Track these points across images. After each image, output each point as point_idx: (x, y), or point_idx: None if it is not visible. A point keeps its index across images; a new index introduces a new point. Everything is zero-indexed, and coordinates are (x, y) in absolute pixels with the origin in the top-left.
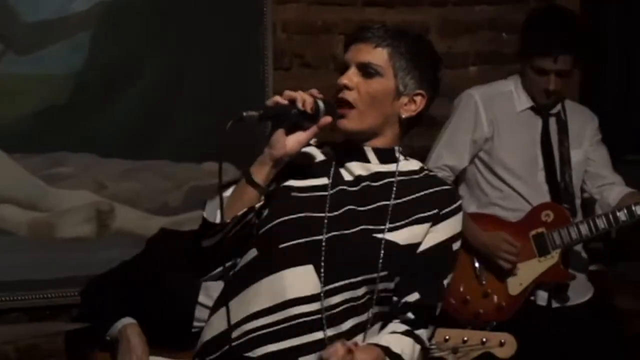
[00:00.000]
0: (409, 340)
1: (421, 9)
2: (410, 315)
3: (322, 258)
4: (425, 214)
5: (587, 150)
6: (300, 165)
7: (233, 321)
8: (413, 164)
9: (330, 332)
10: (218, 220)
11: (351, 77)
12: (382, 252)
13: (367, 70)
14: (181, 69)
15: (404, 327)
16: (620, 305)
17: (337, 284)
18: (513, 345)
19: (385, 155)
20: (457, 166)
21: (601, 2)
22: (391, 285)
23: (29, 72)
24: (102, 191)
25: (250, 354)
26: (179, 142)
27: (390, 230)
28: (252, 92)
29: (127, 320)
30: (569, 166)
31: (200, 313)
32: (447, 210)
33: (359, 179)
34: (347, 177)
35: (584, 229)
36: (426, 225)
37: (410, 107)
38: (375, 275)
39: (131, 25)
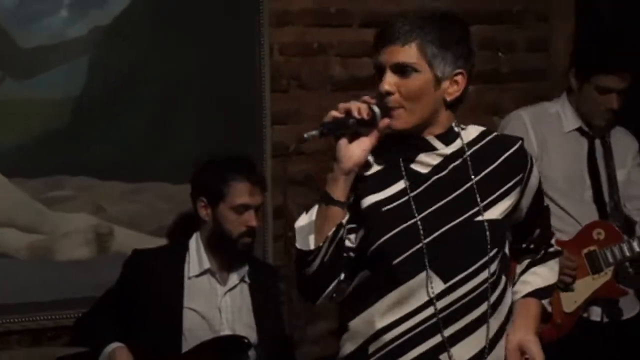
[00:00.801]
0: (546, 265)
1: None
2: (536, 246)
3: (427, 264)
4: (513, 182)
5: (629, 171)
6: (372, 175)
7: (365, 337)
8: (473, 131)
9: (448, 332)
10: (312, 246)
11: (389, 81)
12: (488, 233)
13: (403, 70)
14: (179, 92)
15: (538, 255)
16: None
17: (454, 280)
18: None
19: (448, 137)
20: None
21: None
22: (504, 251)
23: (27, 97)
24: (100, 213)
25: None
26: (178, 164)
27: (486, 208)
28: (249, 114)
29: (116, 344)
30: (616, 185)
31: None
32: (529, 167)
33: (436, 168)
34: (423, 170)
35: (636, 245)
36: (517, 190)
37: (453, 89)
38: (487, 257)
39: (129, 49)
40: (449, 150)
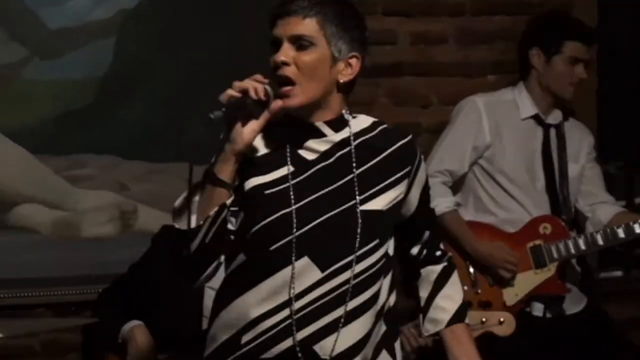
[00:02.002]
0: (452, 282)
1: (439, 19)
2: (428, 252)
3: (295, 256)
4: (399, 174)
5: (583, 166)
6: (259, 158)
7: (239, 327)
8: (364, 121)
9: (323, 322)
10: (193, 224)
11: (286, 52)
12: (361, 222)
13: (301, 43)
14: (201, 74)
15: (437, 269)
16: (613, 313)
17: (331, 269)
18: (512, 323)
19: (338, 124)
20: (457, 171)
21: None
22: (387, 249)
23: (52, 77)
24: (124, 192)
25: (266, 355)
26: (198, 144)
27: (369, 199)
28: None
29: (134, 323)
30: (567, 179)
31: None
32: (417, 161)
33: (323, 155)
34: (310, 156)
35: (582, 243)
36: (405, 182)
37: (347, 71)
38: (367, 247)
39: (152, 32)
40: (338, 137)
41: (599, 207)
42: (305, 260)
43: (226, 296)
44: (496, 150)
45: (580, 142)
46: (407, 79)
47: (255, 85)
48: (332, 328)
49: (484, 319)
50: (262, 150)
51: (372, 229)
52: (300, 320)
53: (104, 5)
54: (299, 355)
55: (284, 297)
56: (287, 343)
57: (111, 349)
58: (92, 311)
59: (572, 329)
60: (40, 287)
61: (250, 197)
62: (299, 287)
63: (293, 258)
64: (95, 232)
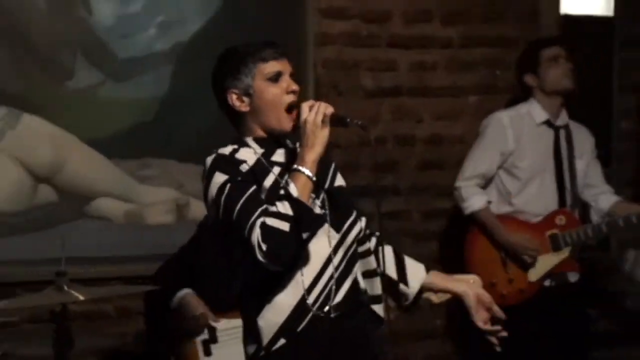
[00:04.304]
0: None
1: (432, 50)
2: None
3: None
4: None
5: (588, 162)
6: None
7: (299, 297)
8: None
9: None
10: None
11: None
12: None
13: (295, 78)
14: None
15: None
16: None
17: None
18: (479, 282)
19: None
20: (488, 174)
21: None
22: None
23: (122, 97)
24: (180, 189)
25: (332, 302)
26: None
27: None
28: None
29: (186, 290)
30: (576, 173)
31: None
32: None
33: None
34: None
35: (590, 232)
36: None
37: None
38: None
39: (202, 60)
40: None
41: (601, 197)
42: (324, 229)
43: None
44: (517, 153)
45: (584, 141)
46: (405, 99)
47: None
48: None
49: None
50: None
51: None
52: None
53: (164, 39)
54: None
55: (321, 263)
56: (335, 300)
57: (168, 312)
58: (153, 282)
59: (572, 293)
60: (114, 263)
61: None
62: (324, 252)
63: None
64: (156, 220)
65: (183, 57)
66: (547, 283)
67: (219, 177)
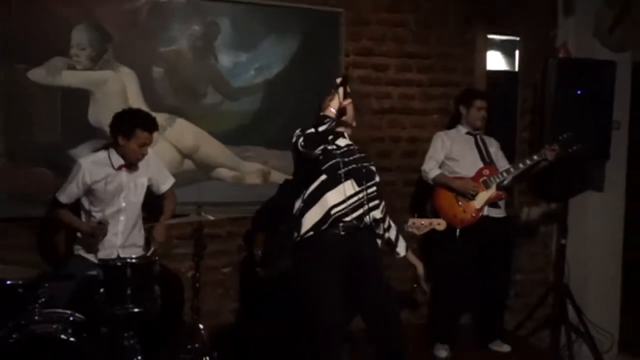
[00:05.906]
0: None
1: (412, 87)
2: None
3: (351, 177)
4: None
5: (495, 151)
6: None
7: (328, 207)
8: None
9: (367, 206)
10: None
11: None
12: (365, 171)
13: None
14: (301, 108)
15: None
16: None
17: (362, 186)
18: (444, 224)
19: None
20: (438, 160)
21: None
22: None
23: (234, 109)
24: (266, 164)
25: (346, 219)
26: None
27: (367, 164)
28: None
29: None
30: (490, 153)
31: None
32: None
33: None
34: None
35: (505, 174)
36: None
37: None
38: (373, 182)
39: (281, 89)
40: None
41: (505, 167)
42: (351, 181)
43: (317, 195)
44: (452, 149)
45: (492, 141)
46: (396, 115)
47: None
48: (365, 212)
49: (430, 222)
50: (334, 138)
51: (372, 174)
52: (353, 206)
53: (259, 76)
54: (354, 222)
55: (344, 196)
56: (348, 218)
57: (257, 238)
58: (251, 221)
59: (500, 224)
60: (225, 207)
61: (329, 152)
62: (348, 192)
63: (343, 179)
64: (252, 181)
65: (269, 87)
66: (485, 212)
67: (298, 132)
